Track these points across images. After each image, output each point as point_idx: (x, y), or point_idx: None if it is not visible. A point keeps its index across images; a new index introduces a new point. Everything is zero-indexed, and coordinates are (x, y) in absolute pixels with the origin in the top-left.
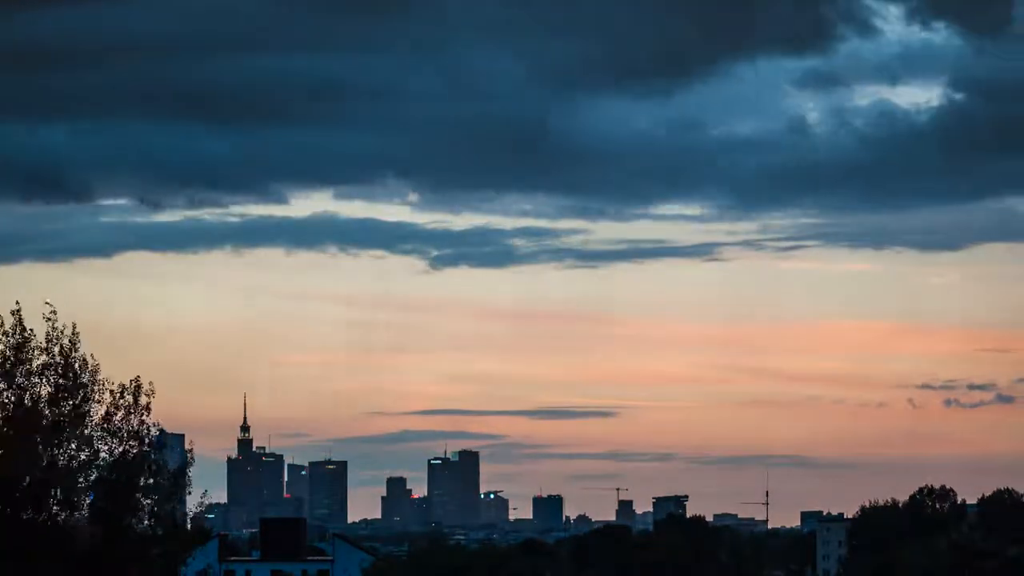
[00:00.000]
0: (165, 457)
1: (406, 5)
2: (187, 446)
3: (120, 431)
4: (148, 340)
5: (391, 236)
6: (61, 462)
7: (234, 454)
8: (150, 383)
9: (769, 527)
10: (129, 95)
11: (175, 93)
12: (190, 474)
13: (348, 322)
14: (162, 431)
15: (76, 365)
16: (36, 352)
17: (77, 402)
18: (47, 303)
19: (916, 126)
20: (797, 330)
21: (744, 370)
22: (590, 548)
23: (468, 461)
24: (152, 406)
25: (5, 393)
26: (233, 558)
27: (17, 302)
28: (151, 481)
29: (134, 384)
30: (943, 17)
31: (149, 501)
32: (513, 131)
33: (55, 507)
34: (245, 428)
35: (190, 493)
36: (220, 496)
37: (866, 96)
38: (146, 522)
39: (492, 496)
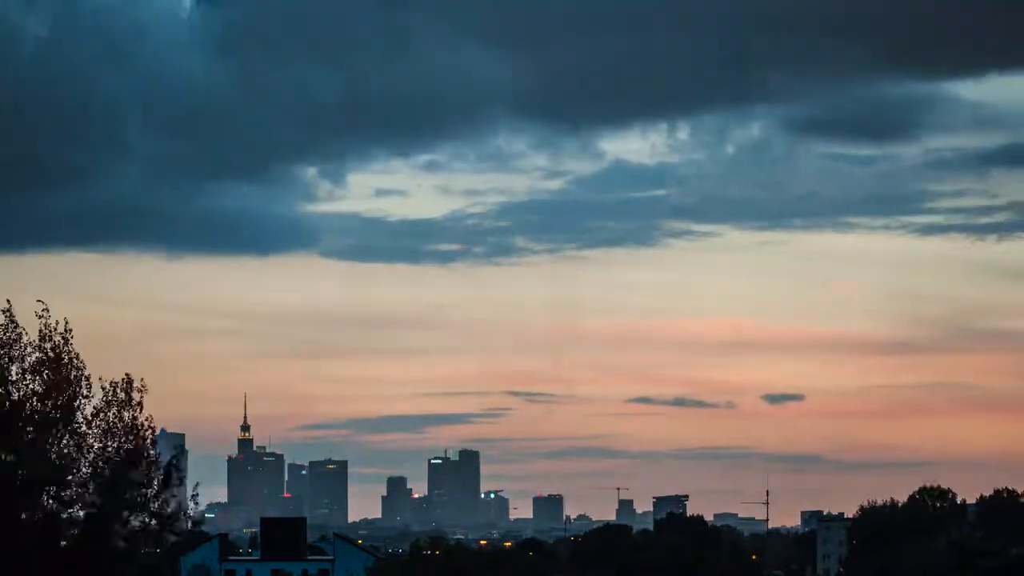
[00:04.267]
0: (159, 453)
1: None
2: (186, 445)
3: (113, 427)
4: None
5: None
6: (52, 458)
7: (234, 454)
8: (142, 379)
9: (769, 527)
10: None
11: None
12: (183, 465)
13: None
14: (159, 429)
15: (66, 361)
16: (28, 349)
17: (66, 399)
18: (39, 301)
19: None
20: None
21: None
22: (590, 548)
23: (468, 461)
24: (144, 402)
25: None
26: (233, 557)
27: (8, 300)
28: (145, 476)
29: (125, 381)
30: None
31: (142, 496)
32: None
33: (47, 503)
34: (245, 428)
35: (182, 484)
36: (220, 496)
37: None
38: (140, 517)
39: (492, 496)
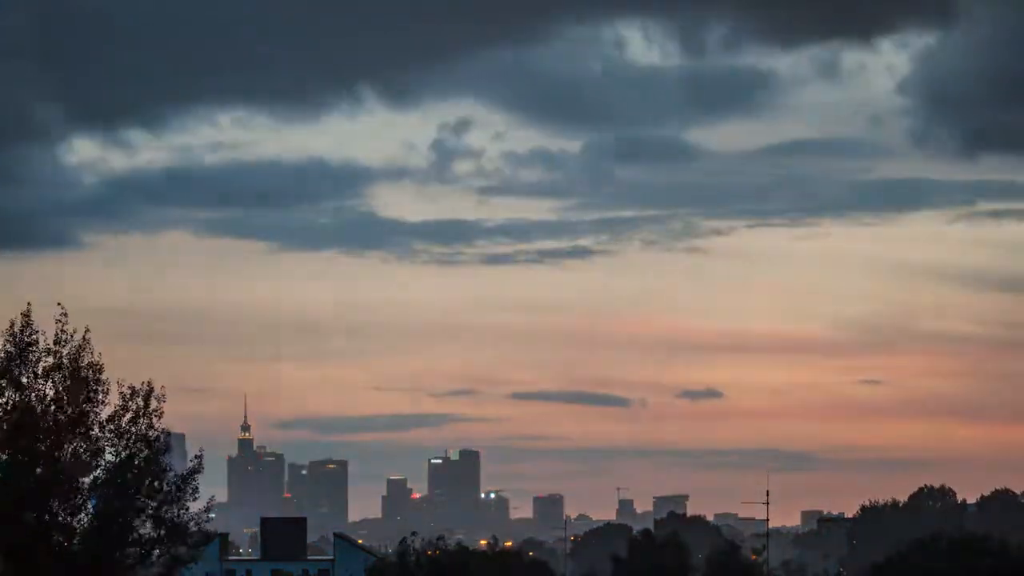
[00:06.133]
0: (170, 461)
1: None
2: (197, 451)
3: (128, 434)
4: None
5: None
6: (65, 463)
7: (234, 454)
8: (162, 387)
9: (769, 527)
10: None
11: None
12: (198, 480)
13: None
14: (169, 434)
15: (83, 366)
16: (44, 354)
17: (81, 403)
18: (58, 304)
19: None
20: None
21: None
22: (589, 547)
23: (468, 461)
24: (162, 411)
25: (8, 394)
26: (233, 558)
27: (28, 304)
28: (155, 484)
29: (145, 387)
30: None
31: (153, 504)
32: None
33: (58, 508)
34: (245, 428)
35: (197, 498)
36: (221, 496)
37: None
38: (149, 525)
39: (492, 496)
